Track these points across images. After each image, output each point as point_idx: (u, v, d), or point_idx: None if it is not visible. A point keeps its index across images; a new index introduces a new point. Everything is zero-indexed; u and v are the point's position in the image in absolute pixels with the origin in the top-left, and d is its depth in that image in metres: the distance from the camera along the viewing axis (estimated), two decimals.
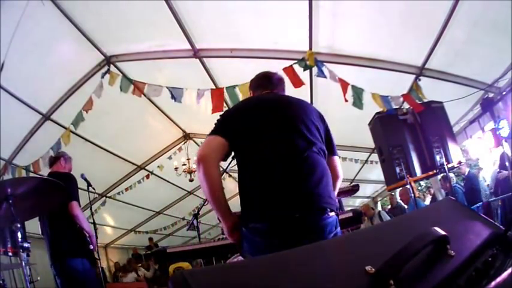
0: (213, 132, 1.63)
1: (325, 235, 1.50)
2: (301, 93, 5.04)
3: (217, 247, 3.61)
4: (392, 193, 7.54)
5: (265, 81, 1.96)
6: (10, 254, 3.26)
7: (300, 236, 1.38)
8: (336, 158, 1.87)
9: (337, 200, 1.71)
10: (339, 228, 1.62)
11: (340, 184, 1.94)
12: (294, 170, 1.56)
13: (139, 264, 9.28)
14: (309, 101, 5.61)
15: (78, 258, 3.05)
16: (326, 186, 1.60)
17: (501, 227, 0.94)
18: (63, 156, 3.53)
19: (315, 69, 4.24)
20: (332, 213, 1.58)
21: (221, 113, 1.78)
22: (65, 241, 3.07)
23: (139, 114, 6.36)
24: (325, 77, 4.15)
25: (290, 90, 4.17)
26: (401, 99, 4.52)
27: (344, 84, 4.11)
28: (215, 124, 1.69)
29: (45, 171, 5.29)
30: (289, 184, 1.53)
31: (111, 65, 5.02)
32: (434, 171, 4.24)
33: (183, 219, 11.02)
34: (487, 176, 7.22)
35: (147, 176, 8.07)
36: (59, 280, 3.04)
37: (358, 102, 4.17)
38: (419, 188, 10.54)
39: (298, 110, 1.75)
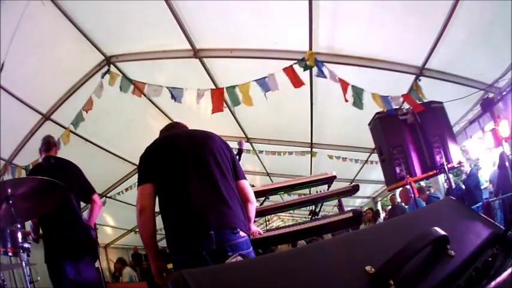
0: (142, 181, 1.85)
1: (238, 251, 1.70)
2: (301, 93, 5.08)
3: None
4: (393, 193, 7.52)
5: (169, 127, 2.28)
6: (10, 254, 3.24)
7: (215, 250, 1.64)
8: (243, 182, 1.99)
9: (246, 223, 1.89)
10: (251, 248, 1.81)
11: (254, 209, 2.05)
12: (206, 197, 1.77)
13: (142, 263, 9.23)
14: (309, 101, 5.67)
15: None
16: (233, 209, 1.79)
17: (501, 227, 0.94)
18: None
19: (315, 69, 4.23)
20: (243, 234, 1.77)
21: (141, 154, 1.99)
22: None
23: (139, 115, 6.36)
24: (325, 77, 4.14)
25: (290, 90, 4.23)
26: (401, 99, 4.50)
27: (344, 84, 4.11)
28: (139, 169, 1.93)
29: None
30: (201, 209, 1.74)
31: (111, 65, 5.02)
32: (434, 171, 4.24)
33: None
34: (485, 176, 7.21)
35: None
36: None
37: (358, 102, 4.16)
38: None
39: (206, 141, 1.94)
